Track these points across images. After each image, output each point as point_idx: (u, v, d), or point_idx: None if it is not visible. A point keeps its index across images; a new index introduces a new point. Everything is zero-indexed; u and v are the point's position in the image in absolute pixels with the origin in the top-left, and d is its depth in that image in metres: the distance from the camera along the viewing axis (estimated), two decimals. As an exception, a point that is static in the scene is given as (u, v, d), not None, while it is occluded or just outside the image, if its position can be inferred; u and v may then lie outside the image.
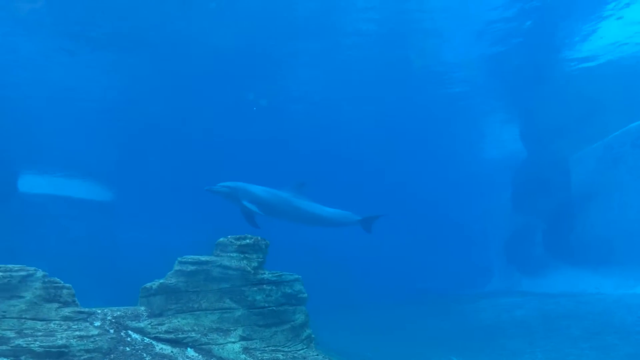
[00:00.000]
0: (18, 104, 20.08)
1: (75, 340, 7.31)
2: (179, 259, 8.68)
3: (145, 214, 26.96)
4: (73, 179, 25.19)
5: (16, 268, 7.61)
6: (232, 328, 8.40)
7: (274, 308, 8.66)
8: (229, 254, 8.73)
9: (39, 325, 7.44)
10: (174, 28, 16.20)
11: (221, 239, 8.86)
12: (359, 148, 25.99)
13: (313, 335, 9.05)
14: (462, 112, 24.29)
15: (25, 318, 7.45)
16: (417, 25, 16.94)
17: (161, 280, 8.60)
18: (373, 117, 23.64)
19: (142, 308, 8.56)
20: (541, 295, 18.85)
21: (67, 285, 7.99)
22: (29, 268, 7.71)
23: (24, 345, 7.01)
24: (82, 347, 7.26)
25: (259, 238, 8.90)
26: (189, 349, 8.04)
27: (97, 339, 7.49)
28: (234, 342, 8.27)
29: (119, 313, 8.35)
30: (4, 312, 7.35)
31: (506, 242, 26.67)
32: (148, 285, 8.63)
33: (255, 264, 8.76)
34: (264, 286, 8.69)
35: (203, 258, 8.64)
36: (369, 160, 27.30)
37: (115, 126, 21.86)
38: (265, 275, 8.77)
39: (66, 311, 7.76)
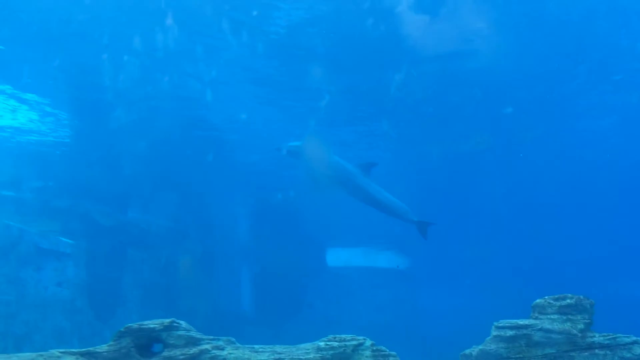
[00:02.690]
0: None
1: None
2: (496, 323, 8.44)
3: (443, 279, 27.34)
4: (374, 250, 27.09)
5: (348, 338, 8.32)
6: (566, 398, 7.72)
7: (612, 376, 7.71)
8: (548, 316, 8.19)
9: (374, 392, 7.93)
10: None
11: (538, 301, 8.39)
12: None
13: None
14: None
15: (362, 385, 8.02)
16: None
17: (480, 347, 8.44)
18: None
19: (465, 375, 8.48)
20: None
21: (393, 353, 8.40)
22: (358, 337, 8.36)
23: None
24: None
25: (582, 297, 8.16)
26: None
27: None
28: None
29: (443, 380, 8.41)
30: (345, 379, 8.04)
31: None
32: (467, 351, 8.55)
33: (581, 325, 8.02)
34: (596, 350, 7.85)
35: (521, 322, 8.26)
36: None
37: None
38: (595, 339, 7.93)
39: (395, 378, 8.12)
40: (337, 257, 26.40)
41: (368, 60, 13.61)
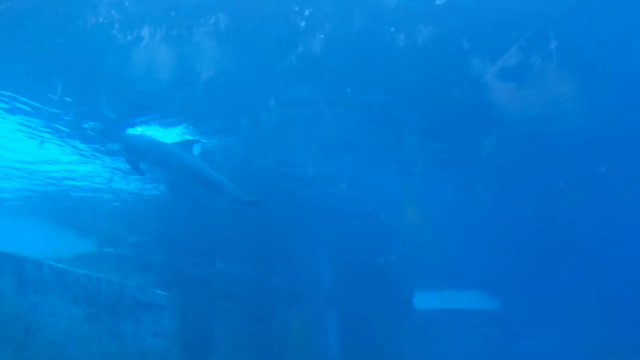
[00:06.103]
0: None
1: None
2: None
3: (538, 319, 26.00)
4: (463, 291, 26.25)
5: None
6: None
7: None
8: (665, 360, 7.54)
9: None
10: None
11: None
12: None
13: None
14: None
15: None
16: None
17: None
18: None
19: None
20: None
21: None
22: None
23: None
24: None
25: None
26: None
27: None
28: None
29: None
30: None
31: None
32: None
33: None
34: None
35: (634, 366, 7.66)
36: None
37: (497, 237, 22.04)
38: None
39: None
40: (426, 299, 25.77)
41: (457, 126, 13.92)
